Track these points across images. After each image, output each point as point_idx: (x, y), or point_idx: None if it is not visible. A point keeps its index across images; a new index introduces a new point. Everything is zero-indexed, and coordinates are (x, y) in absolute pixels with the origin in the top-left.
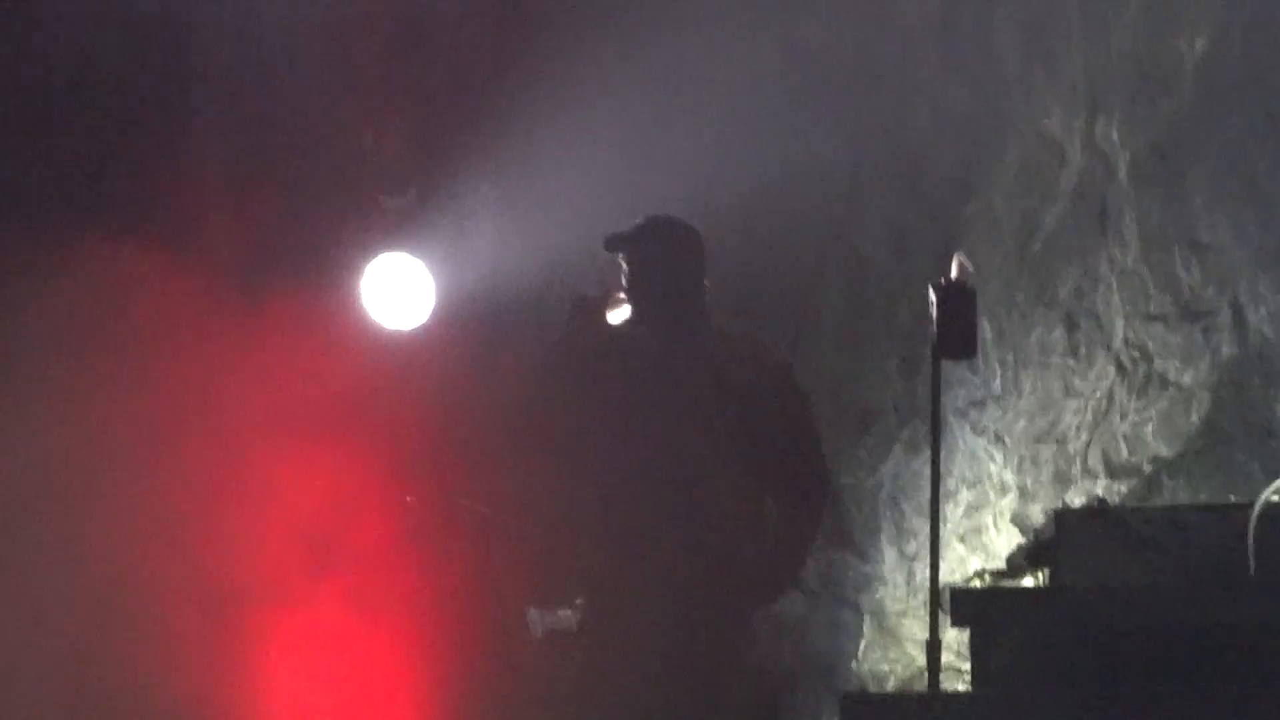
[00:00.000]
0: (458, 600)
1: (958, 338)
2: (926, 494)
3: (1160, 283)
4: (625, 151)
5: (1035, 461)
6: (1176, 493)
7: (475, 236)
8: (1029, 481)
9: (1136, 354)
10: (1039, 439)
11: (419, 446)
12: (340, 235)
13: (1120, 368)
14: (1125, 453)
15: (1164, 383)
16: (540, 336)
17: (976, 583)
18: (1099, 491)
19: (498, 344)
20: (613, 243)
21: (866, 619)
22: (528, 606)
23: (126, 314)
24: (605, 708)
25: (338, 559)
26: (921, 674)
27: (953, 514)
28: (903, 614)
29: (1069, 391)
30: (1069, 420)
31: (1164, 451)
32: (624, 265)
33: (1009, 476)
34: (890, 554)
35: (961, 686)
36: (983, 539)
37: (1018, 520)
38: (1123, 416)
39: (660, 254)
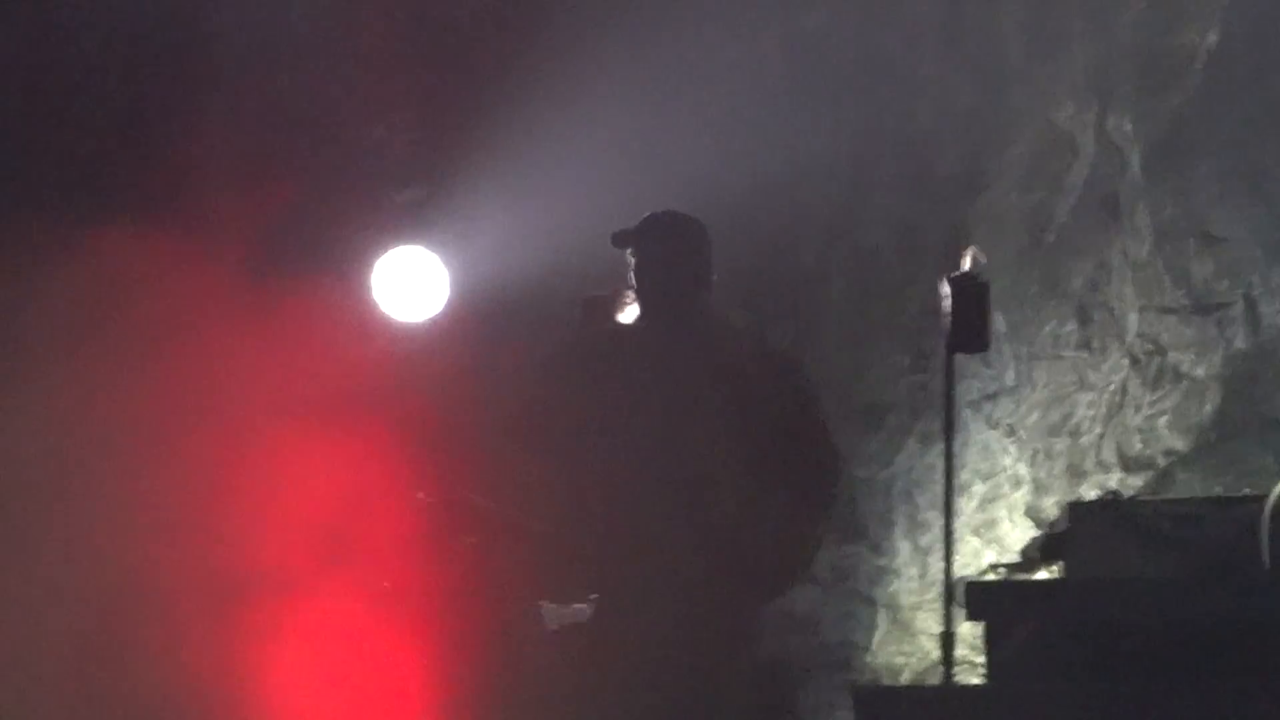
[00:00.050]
0: (466, 594)
1: (970, 331)
2: (940, 487)
3: (1173, 276)
4: (634, 146)
5: (1049, 454)
6: (1190, 485)
7: (486, 229)
8: (1042, 474)
9: (1150, 347)
10: (1052, 432)
11: (430, 440)
12: (352, 229)
13: (1133, 360)
14: (1138, 446)
15: (1177, 375)
16: (551, 330)
17: (990, 576)
18: (1112, 484)
19: (509, 336)
20: (619, 239)
21: (880, 612)
22: (540, 601)
23: (137, 307)
24: (614, 702)
25: (347, 553)
26: (935, 667)
27: (966, 507)
28: (917, 607)
29: (1082, 384)
30: (1082, 413)
31: (1177, 444)
32: (631, 261)
33: (1022, 469)
34: (904, 547)
35: (975, 679)
36: (996, 532)
37: (1031, 513)
38: (1136, 409)
39: (666, 249)
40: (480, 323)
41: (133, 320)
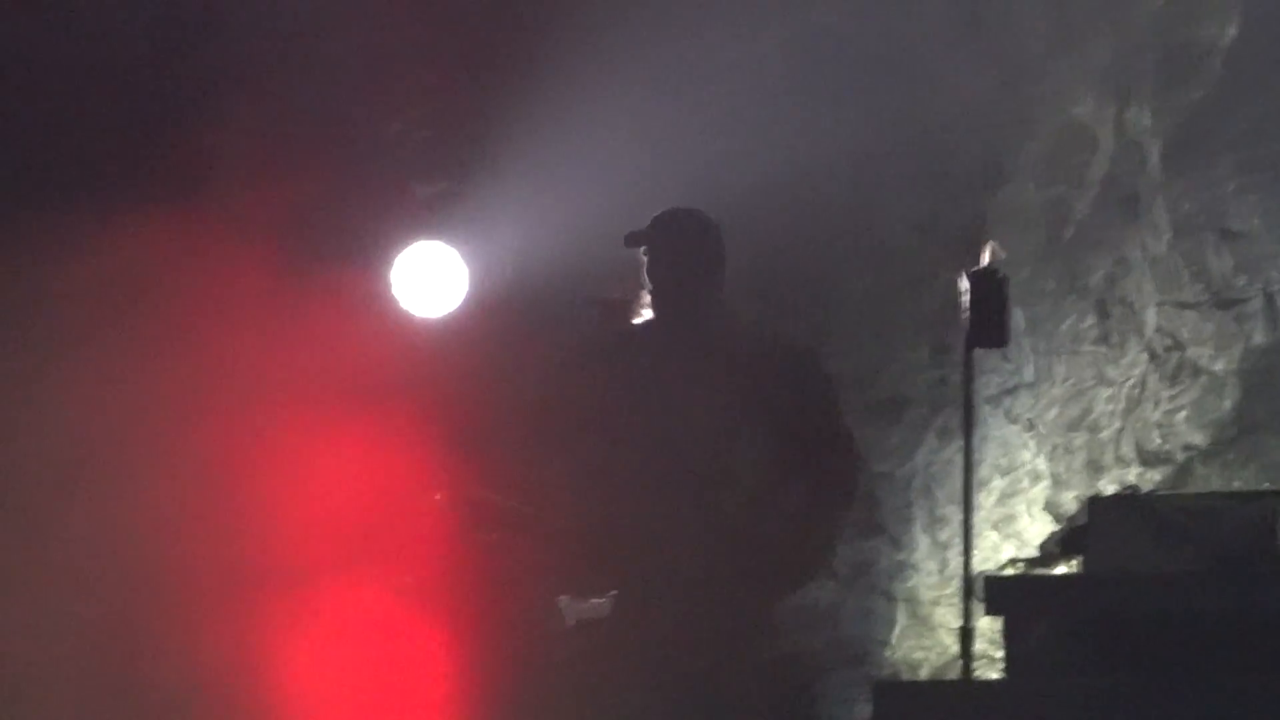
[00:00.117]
0: (486, 588)
1: (989, 326)
2: (959, 482)
3: (1192, 270)
4: (652, 141)
5: (1068, 449)
6: (1209, 480)
7: (505, 224)
8: (1061, 469)
9: (1168, 342)
10: (1071, 427)
11: (448, 435)
12: (371, 224)
13: (1152, 355)
14: (1157, 441)
15: (1196, 370)
16: (567, 329)
17: (1010, 571)
18: (1131, 479)
19: (528, 331)
20: (632, 239)
21: (900, 607)
22: (558, 596)
23: (157, 300)
24: (632, 697)
25: (365, 547)
26: (955, 662)
27: (985, 502)
28: (936, 602)
29: (1101, 379)
30: (1101, 408)
31: (1196, 439)
32: (644, 260)
33: (1041, 464)
34: (923, 542)
35: (995, 674)
36: (1015, 526)
37: (1050, 508)
38: (1155, 404)
39: (678, 246)
40: (499, 318)
41: (152, 314)
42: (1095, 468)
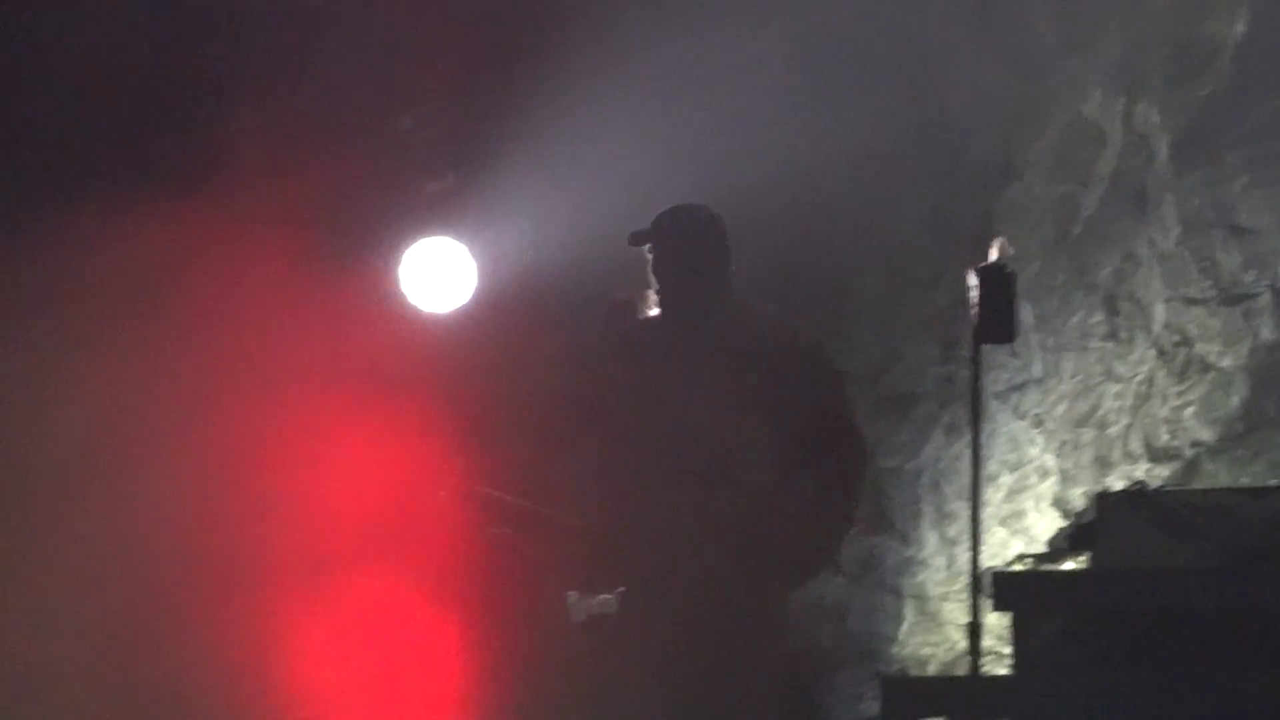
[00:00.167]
0: (496, 583)
1: (998, 322)
2: (967, 478)
3: (1200, 266)
4: (662, 137)
5: (1076, 445)
6: (1217, 476)
7: (514, 220)
8: (1070, 465)
9: (1177, 338)
10: (1079, 423)
11: (459, 430)
12: (380, 219)
13: (1160, 351)
14: (1165, 436)
15: (1204, 366)
16: (575, 327)
17: (1018, 566)
18: (1139, 475)
19: (537, 327)
20: (636, 238)
21: (908, 602)
22: (567, 591)
23: (167, 297)
24: (641, 693)
25: (375, 541)
26: (962, 657)
27: (993, 498)
28: (944, 597)
29: (1109, 375)
30: (1109, 404)
31: (1204, 435)
32: (649, 257)
33: (1050, 460)
34: (931, 538)
35: (1003, 670)
36: (1024, 522)
37: (1059, 504)
38: (1163, 400)
39: (682, 241)
40: (507, 313)
41: (162, 308)
42: (1103, 464)
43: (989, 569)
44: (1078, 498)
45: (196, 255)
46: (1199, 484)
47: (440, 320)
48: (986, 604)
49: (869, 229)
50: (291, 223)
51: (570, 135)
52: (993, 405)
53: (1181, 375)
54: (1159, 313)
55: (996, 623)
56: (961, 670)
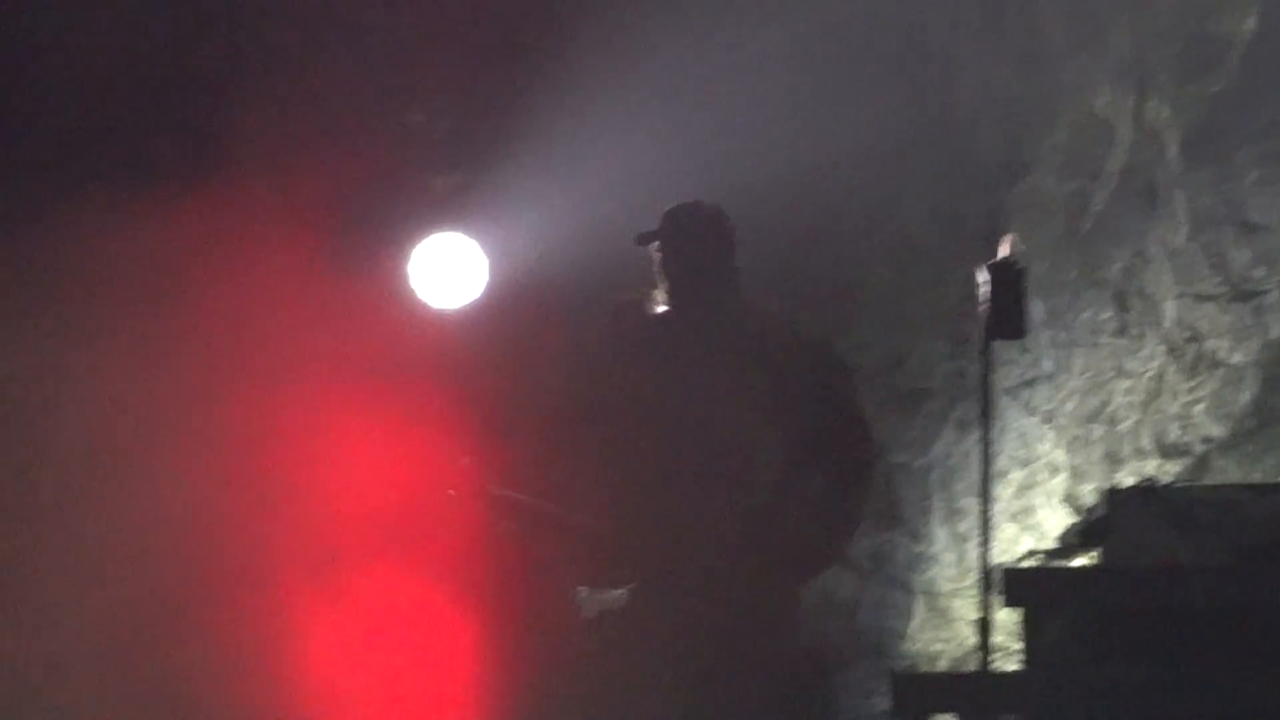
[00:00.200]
0: (505, 578)
1: (1008, 318)
2: (977, 474)
3: (1210, 263)
4: (673, 133)
5: (1086, 441)
6: (1227, 472)
7: (525, 215)
8: (1080, 461)
9: (1187, 334)
10: (1090, 419)
11: (470, 426)
12: (390, 214)
13: (1171, 347)
14: (1176, 433)
15: (1214, 363)
16: (586, 320)
17: (1028, 563)
18: (1150, 471)
19: (547, 323)
20: (644, 238)
21: (918, 599)
22: (577, 588)
23: (177, 291)
24: (651, 686)
25: (382, 539)
26: (973, 653)
27: (1004, 494)
28: (954, 593)
29: (1119, 371)
30: (1120, 400)
31: (1214, 431)
32: (656, 257)
33: (1060, 456)
34: (941, 534)
35: (1013, 666)
36: (1034, 518)
37: (1069, 500)
38: (1173, 396)
39: (689, 238)
40: (517, 309)
41: (170, 304)
42: (1114, 460)
43: (999, 565)
44: (1088, 494)
45: (204, 252)
46: (1209, 480)
47: (450, 316)
48: (997, 600)
49: (878, 226)
50: (300, 219)
51: (579, 131)
52: (1003, 401)
53: (1192, 371)
54: (1169, 309)
55: (1007, 619)
56: (972, 666)
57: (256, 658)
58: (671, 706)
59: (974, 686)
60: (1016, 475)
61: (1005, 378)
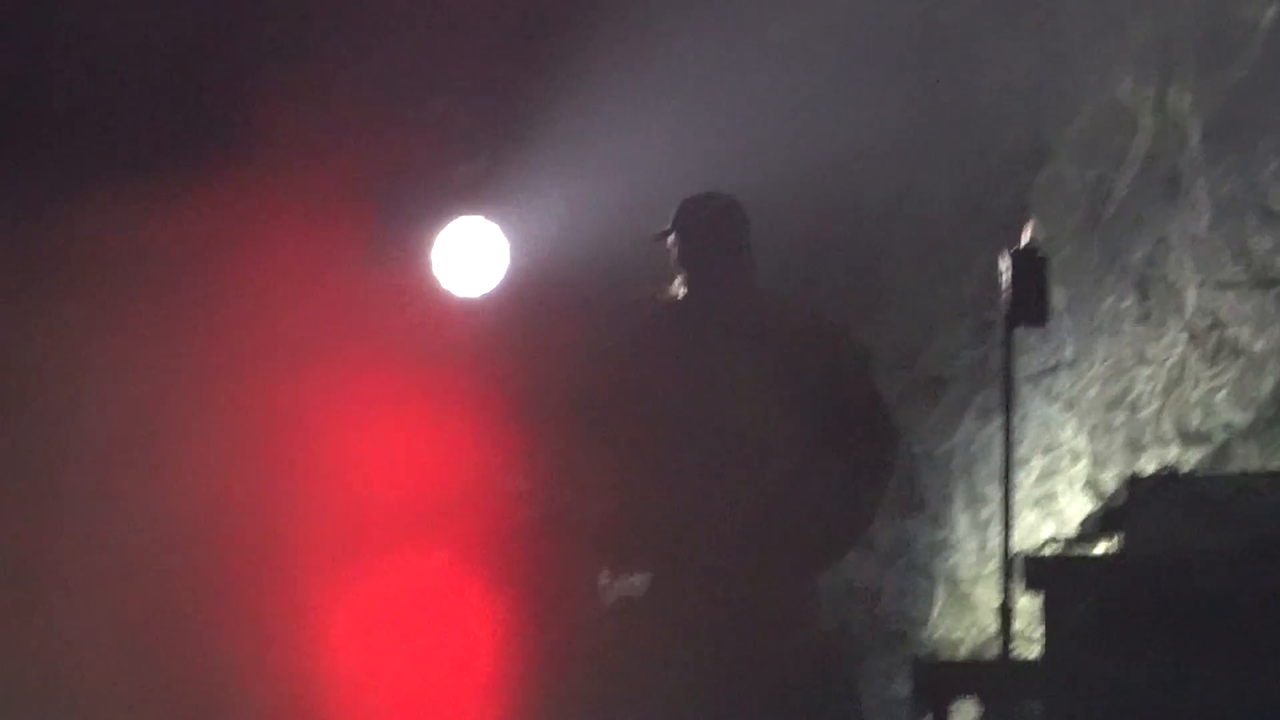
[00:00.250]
0: (526, 567)
1: (1029, 305)
2: (998, 461)
3: (1232, 250)
4: (696, 117)
5: (1107, 428)
6: (1249, 460)
7: (548, 202)
8: (1101, 448)
9: (1209, 321)
10: (1111, 406)
11: (488, 414)
12: (413, 200)
13: (1192, 335)
14: (1197, 420)
15: (1236, 350)
16: (607, 308)
17: (1049, 550)
18: (1171, 458)
19: (568, 309)
20: (660, 236)
21: (939, 585)
22: (597, 575)
23: (198, 277)
24: (670, 674)
25: (404, 526)
26: (993, 640)
27: (1025, 481)
28: (975, 580)
29: (1141, 358)
30: (1141, 387)
31: (1236, 418)
32: (673, 250)
33: (1081, 443)
34: (963, 520)
35: (1034, 653)
36: (1055, 505)
37: (1090, 487)
38: (1195, 384)
39: (704, 229)
40: (539, 296)
41: (194, 289)
42: (1135, 447)
43: (1021, 552)
44: (1109, 481)
45: (226, 241)
46: (1231, 468)
47: (473, 303)
48: (1018, 587)
49: (900, 215)
50: (323, 207)
51: (604, 117)
52: (1024, 388)
53: (1213, 359)
54: (1191, 296)
55: (1028, 606)
56: (992, 653)
57: (280, 648)
58: (690, 694)
59: (995, 673)
60: (1038, 462)
61: (1027, 365)
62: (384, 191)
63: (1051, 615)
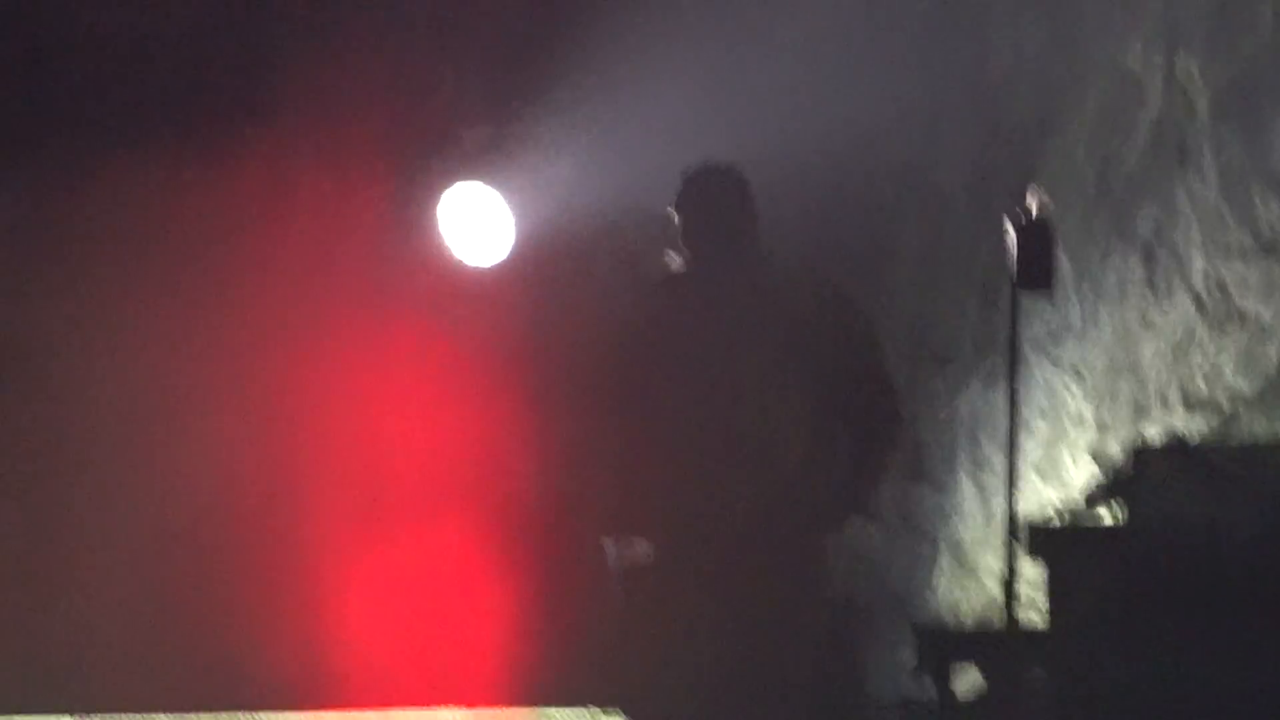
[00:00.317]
0: (536, 536)
1: (1036, 272)
2: (1004, 427)
3: (1239, 218)
4: (703, 87)
5: (1113, 395)
6: (1254, 428)
7: (554, 170)
8: (1106, 415)
9: (1215, 289)
10: (1117, 373)
11: (498, 386)
12: (420, 167)
13: (1199, 303)
14: (1203, 387)
15: (1242, 318)
16: (612, 288)
17: (1053, 517)
18: (1177, 425)
19: (577, 275)
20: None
21: (943, 552)
22: (604, 541)
23: (208, 251)
24: (681, 641)
25: (422, 496)
26: (997, 607)
27: (1030, 447)
28: (979, 547)
29: (1147, 326)
30: (1147, 354)
31: (1241, 386)
32: (678, 222)
33: (1086, 410)
34: (967, 487)
35: (1037, 619)
36: (1059, 472)
37: (1095, 454)
38: (1201, 351)
39: (708, 202)
40: (547, 261)
41: (208, 259)
42: (1141, 414)
43: (1025, 519)
44: (1114, 448)
45: (242, 211)
46: (1236, 436)
47: (480, 270)
48: (1022, 554)
49: (910, 183)
50: (337, 175)
51: (608, 84)
52: (1030, 355)
53: (1220, 327)
54: (1198, 264)
55: (1032, 573)
56: (996, 620)
57: (296, 619)
58: (699, 660)
59: (998, 640)
60: (1043, 429)
61: (1033, 331)
62: (396, 157)
63: (1055, 583)
